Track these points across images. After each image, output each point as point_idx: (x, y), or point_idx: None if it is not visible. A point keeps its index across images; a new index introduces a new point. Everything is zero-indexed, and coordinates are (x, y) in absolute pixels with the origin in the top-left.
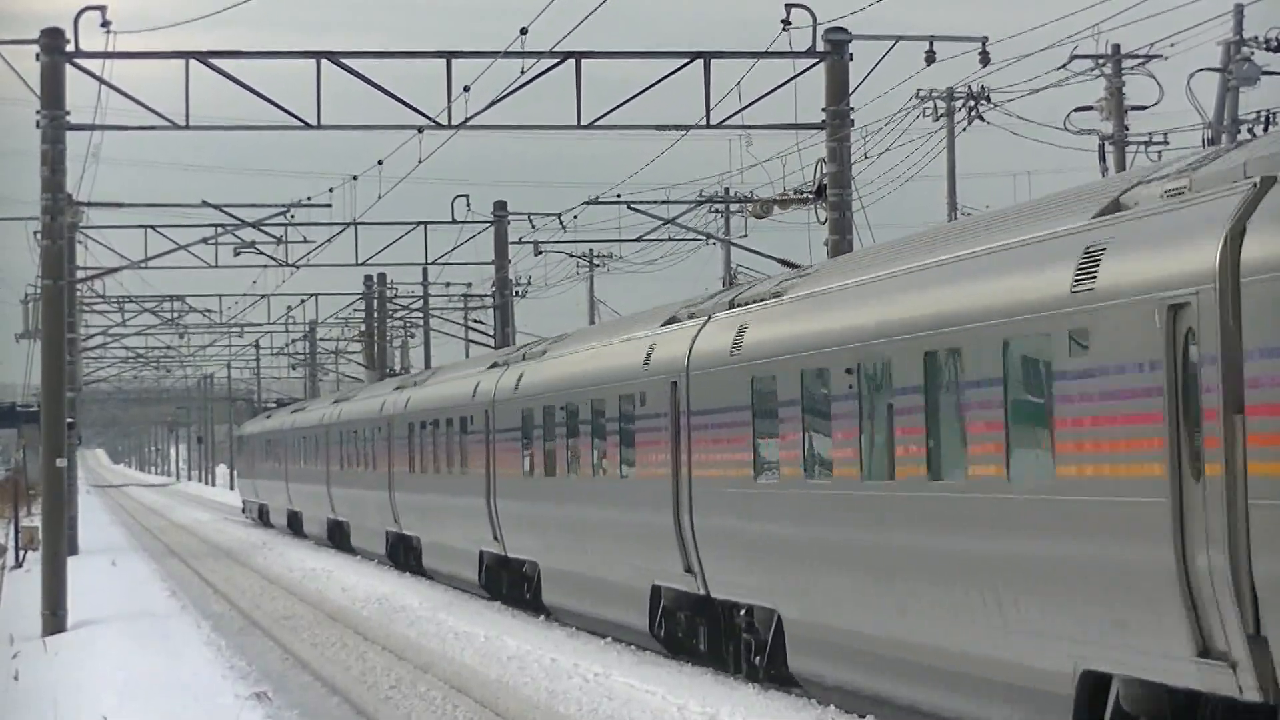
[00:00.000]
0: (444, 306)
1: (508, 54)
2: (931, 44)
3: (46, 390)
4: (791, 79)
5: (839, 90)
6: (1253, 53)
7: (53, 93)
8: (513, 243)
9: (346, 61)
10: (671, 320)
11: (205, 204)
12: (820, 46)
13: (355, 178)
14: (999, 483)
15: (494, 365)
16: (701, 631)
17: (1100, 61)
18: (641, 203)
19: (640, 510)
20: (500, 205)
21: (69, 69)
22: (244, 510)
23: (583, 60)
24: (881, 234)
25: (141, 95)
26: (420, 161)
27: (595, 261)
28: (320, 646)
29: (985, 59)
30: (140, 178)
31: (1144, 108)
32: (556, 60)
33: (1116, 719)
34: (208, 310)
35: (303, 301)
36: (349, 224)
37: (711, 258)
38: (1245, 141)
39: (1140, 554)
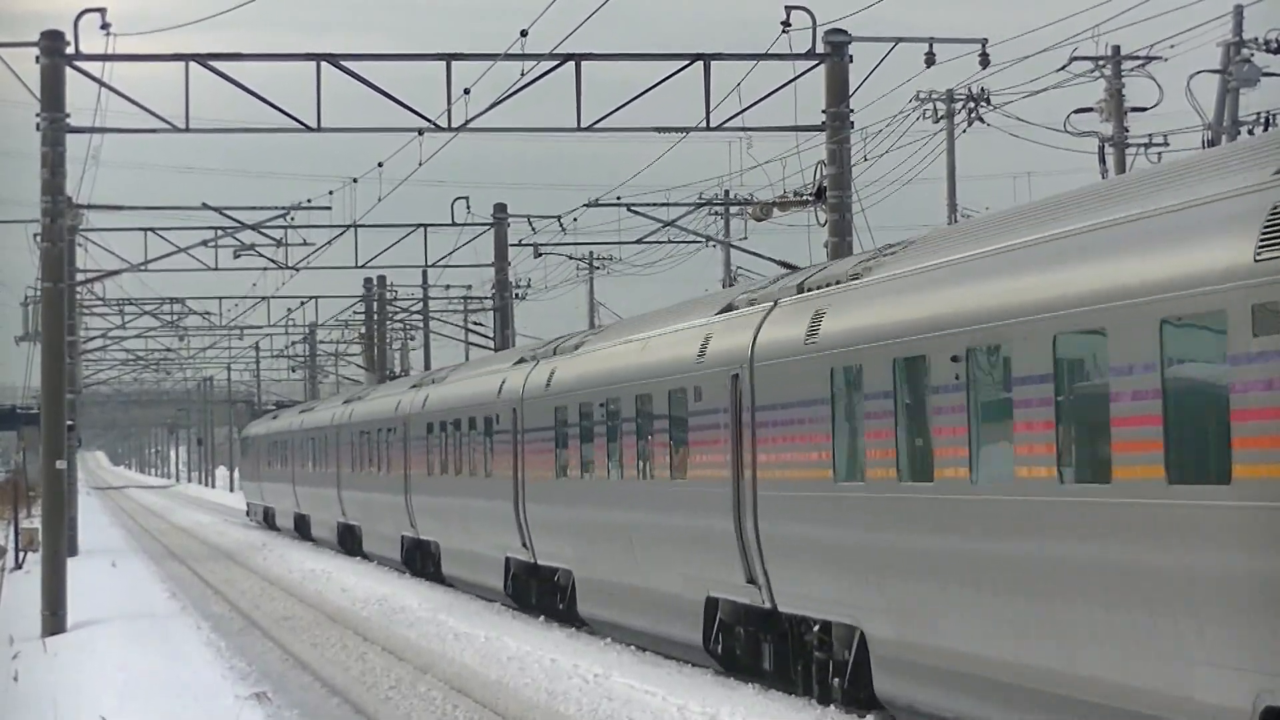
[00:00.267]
0: (444, 309)
1: (508, 56)
2: (931, 46)
3: (46, 392)
4: (791, 81)
5: (839, 92)
6: (1252, 54)
7: (53, 95)
8: (512, 245)
9: (346, 64)
10: (728, 308)
11: (205, 206)
12: (820, 48)
13: (355, 180)
14: (1156, 486)
15: (521, 361)
16: (766, 649)
17: (1100, 63)
18: (641, 205)
19: (694, 515)
20: (500, 207)
21: (69, 71)
22: (248, 513)
23: (583, 62)
24: (881, 236)
25: (141, 97)
26: (420, 164)
27: (595, 264)
28: (320, 647)
29: (985, 61)
30: (140, 180)
31: (1144, 109)
32: (557, 62)
33: None
34: (207, 313)
35: (302, 304)
36: (349, 226)
37: (711, 260)
38: None
39: None
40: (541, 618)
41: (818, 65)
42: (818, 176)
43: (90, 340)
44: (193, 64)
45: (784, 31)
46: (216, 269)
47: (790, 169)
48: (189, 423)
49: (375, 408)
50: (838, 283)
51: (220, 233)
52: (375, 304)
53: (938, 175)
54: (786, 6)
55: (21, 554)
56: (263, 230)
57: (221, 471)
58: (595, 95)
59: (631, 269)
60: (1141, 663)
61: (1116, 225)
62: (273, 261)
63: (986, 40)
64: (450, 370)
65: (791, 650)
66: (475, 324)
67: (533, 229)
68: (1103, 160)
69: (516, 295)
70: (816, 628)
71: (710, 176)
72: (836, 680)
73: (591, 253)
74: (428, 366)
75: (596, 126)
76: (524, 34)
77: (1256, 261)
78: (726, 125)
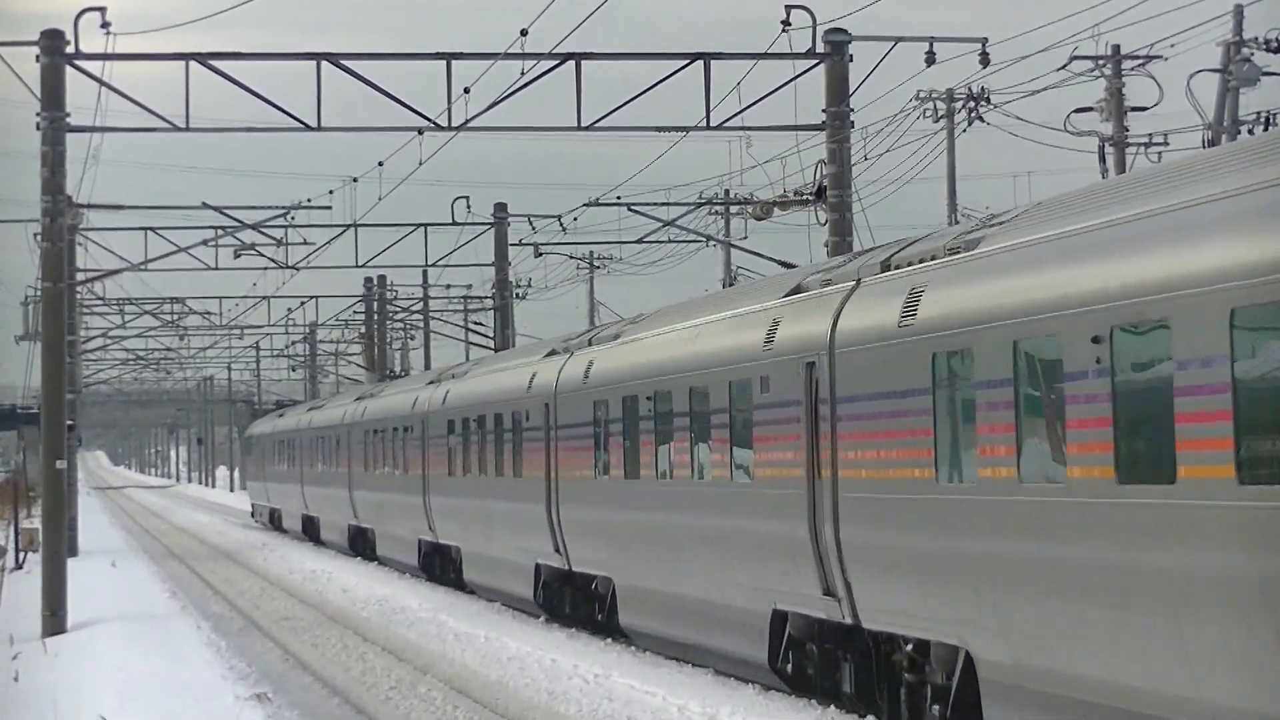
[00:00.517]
0: (444, 309)
1: (508, 55)
2: (931, 45)
3: (46, 392)
4: (791, 80)
5: (839, 91)
6: (1252, 53)
7: (53, 94)
8: (513, 244)
9: (346, 63)
10: (796, 290)
11: (205, 206)
12: (820, 48)
13: (355, 179)
14: None
15: (553, 353)
16: (846, 668)
17: (1100, 62)
18: (641, 204)
19: (761, 519)
20: (500, 207)
21: (69, 70)
22: (253, 514)
23: (583, 61)
24: (881, 235)
25: (141, 97)
26: (420, 163)
27: (595, 263)
28: (320, 647)
29: (985, 60)
30: (140, 180)
31: (1144, 109)
32: (557, 61)
33: None
34: (208, 312)
35: (303, 303)
36: (349, 226)
37: (712, 259)
38: None
39: None
40: (573, 629)
41: (818, 65)
42: (818, 176)
43: (90, 340)
44: (193, 63)
45: (784, 31)
46: (216, 268)
47: (790, 168)
48: (189, 422)
49: (390, 404)
50: (934, 257)
51: (220, 232)
52: (375, 304)
53: (938, 175)
54: (786, 6)
55: (22, 554)
56: (263, 230)
57: (222, 471)
58: (595, 95)
59: (632, 269)
60: None
61: None
62: (273, 261)
63: (986, 40)
64: (471, 365)
65: (875, 671)
66: (475, 324)
67: (533, 228)
68: (1103, 160)
69: (517, 295)
70: (909, 647)
71: (710, 176)
72: (936, 707)
73: (592, 252)
74: (428, 366)
75: (596, 126)
76: (524, 33)
77: None
78: (726, 125)
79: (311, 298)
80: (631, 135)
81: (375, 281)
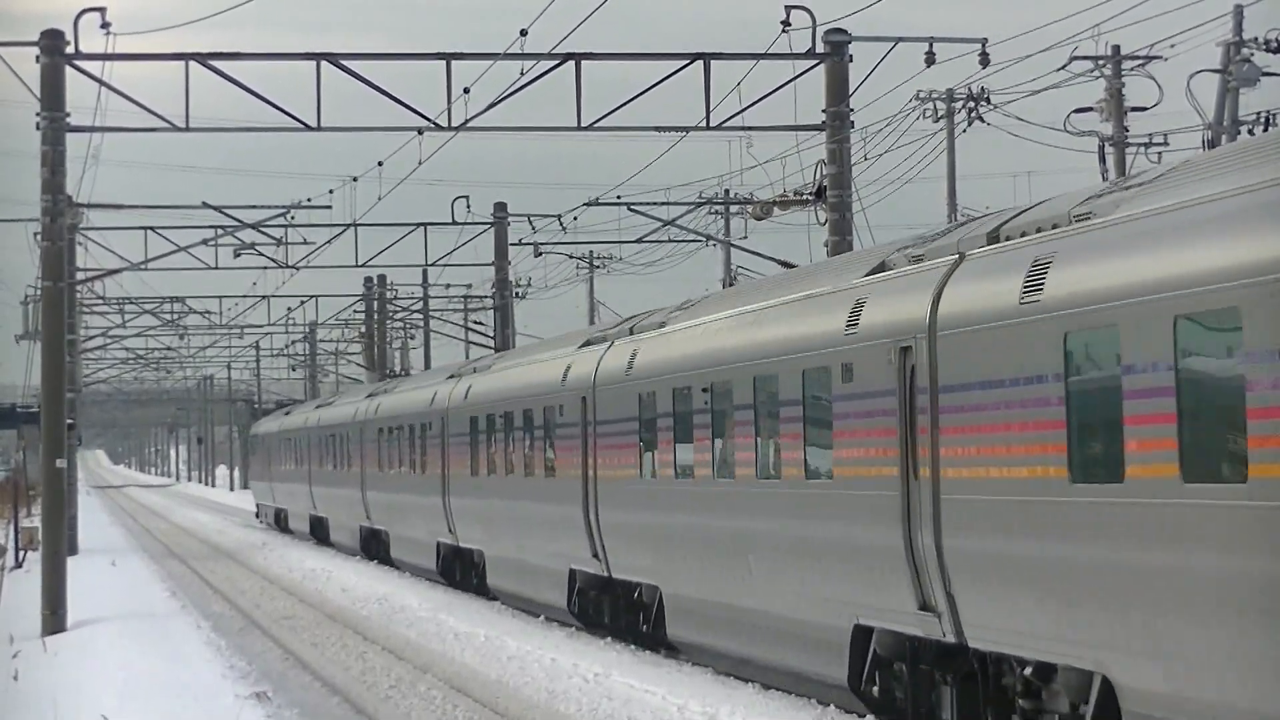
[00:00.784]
0: (444, 308)
1: (507, 55)
2: (931, 45)
3: (46, 391)
4: (791, 80)
5: (839, 91)
6: (1252, 54)
7: (53, 94)
8: (513, 244)
9: (346, 63)
10: (880, 268)
11: (205, 205)
12: (820, 48)
13: (355, 179)
14: None
15: (588, 344)
16: (946, 692)
17: (1100, 62)
18: (641, 204)
19: (842, 523)
20: (500, 207)
21: (69, 70)
22: (258, 515)
23: (582, 62)
24: (881, 235)
25: (141, 96)
26: (420, 163)
27: (595, 263)
28: (320, 646)
29: (985, 60)
30: (140, 179)
31: (1144, 109)
32: (556, 62)
33: None
34: (208, 311)
35: (303, 303)
36: (349, 225)
37: (711, 259)
38: None
39: None
40: (612, 639)
41: (818, 65)
42: (818, 176)
43: (90, 339)
44: (193, 63)
45: (784, 31)
46: (216, 268)
47: (790, 168)
48: (189, 422)
49: (406, 401)
50: (1055, 226)
51: (220, 232)
52: (375, 303)
53: (938, 175)
54: (786, 6)
55: (21, 553)
56: (263, 229)
57: (221, 471)
58: (595, 95)
59: (631, 268)
60: None
61: None
62: (273, 260)
63: (986, 40)
64: (495, 359)
65: (983, 695)
66: (475, 323)
67: (533, 228)
68: (1103, 160)
69: (517, 294)
70: (1027, 670)
71: (710, 176)
72: None
73: (592, 252)
74: (428, 366)
75: (596, 126)
76: (524, 33)
77: None
78: (726, 125)
79: (311, 297)
80: (631, 135)
81: (375, 281)
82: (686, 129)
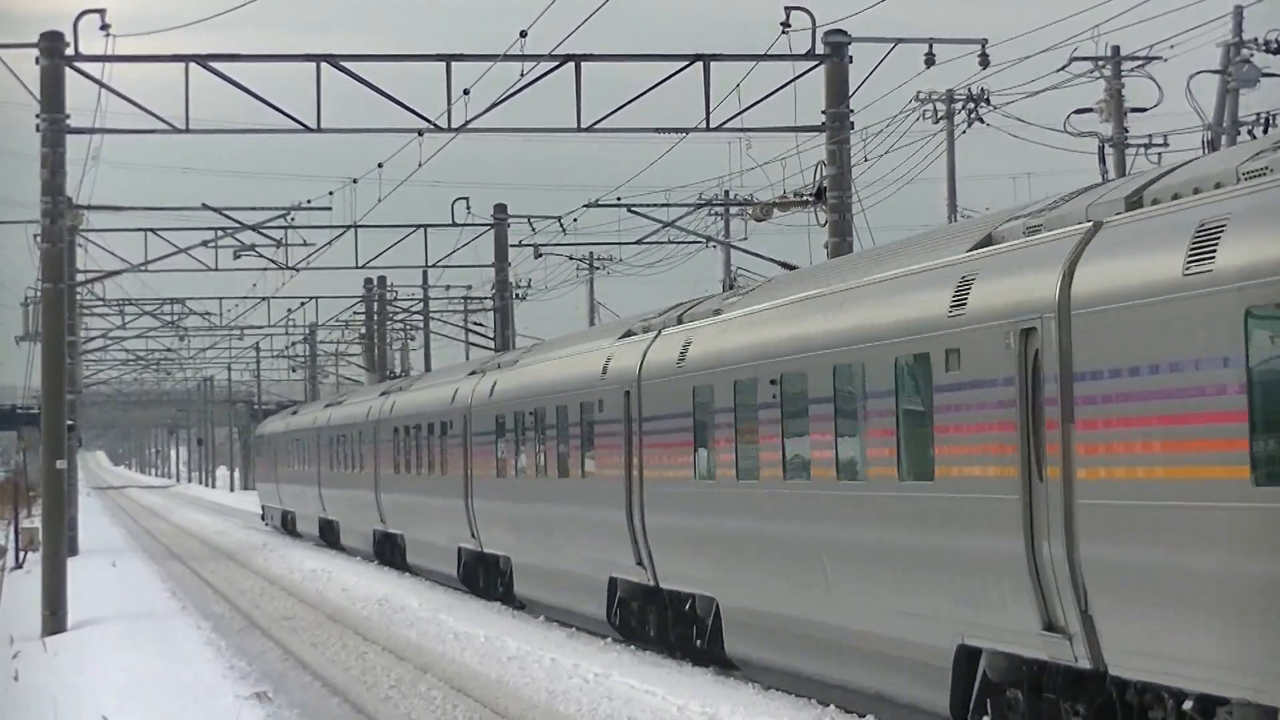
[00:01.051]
0: (444, 309)
1: (507, 57)
2: (931, 46)
3: (46, 392)
4: (791, 81)
5: (838, 93)
6: (1252, 54)
7: (53, 96)
8: (513, 245)
9: (346, 64)
10: (986, 241)
11: (205, 207)
12: (820, 49)
13: (355, 181)
14: None
15: (629, 334)
16: None
17: (1100, 63)
18: (641, 205)
19: (945, 531)
20: (500, 208)
21: (69, 72)
22: (264, 518)
23: (582, 63)
24: (881, 236)
25: (141, 98)
26: (420, 164)
27: (595, 264)
28: (320, 647)
29: (985, 61)
30: (140, 181)
31: (1144, 109)
32: (556, 63)
33: None
34: (208, 313)
35: (303, 304)
36: (349, 227)
37: (711, 260)
38: None
39: None
40: (658, 653)
41: (817, 66)
42: (818, 177)
43: (90, 340)
44: (192, 65)
45: (784, 32)
46: (217, 269)
47: (790, 169)
48: (189, 423)
49: (423, 399)
50: (1219, 186)
51: (220, 233)
52: (375, 304)
53: (938, 175)
54: (786, 7)
55: (22, 553)
56: (263, 231)
57: (222, 472)
58: (595, 96)
59: (631, 269)
60: None
61: None
62: (273, 262)
63: (986, 40)
64: (521, 353)
65: None
66: (475, 324)
67: (533, 229)
68: (1103, 161)
69: (517, 295)
70: (1186, 704)
71: (710, 177)
72: None
73: (592, 253)
74: (428, 367)
75: (596, 127)
76: (524, 34)
77: None
78: (726, 126)
79: (311, 298)
80: (631, 136)
81: (375, 282)
82: (686, 130)
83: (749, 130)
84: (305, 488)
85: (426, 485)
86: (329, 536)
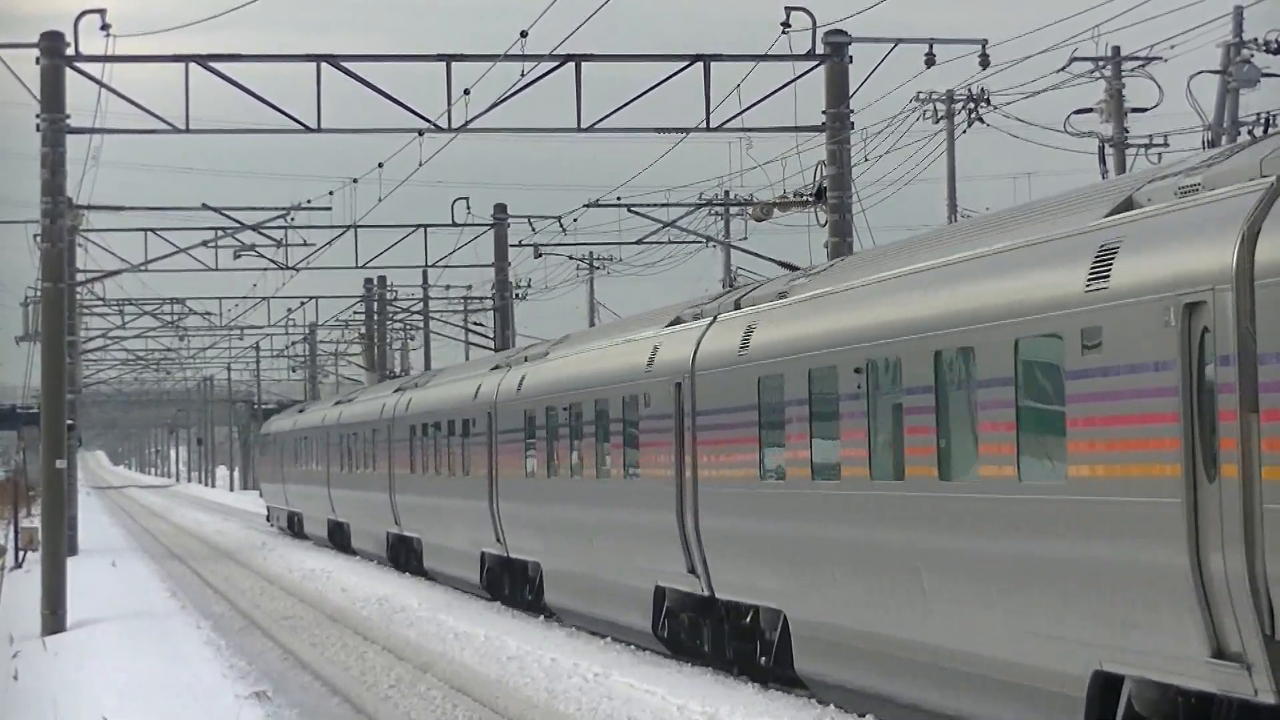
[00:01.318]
0: (444, 309)
1: (508, 57)
2: (931, 46)
3: (46, 392)
4: (791, 82)
5: (839, 93)
6: (1252, 55)
7: (53, 96)
8: (513, 245)
9: (347, 64)
10: (1126, 205)
11: (205, 207)
12: (820, 49)
13: (355, 180)
14: None
15: (676, 322)
16: None
17: (1100, 63)
18: (641, 205)
19: (1080, 542)
20: (500, 208)
21: (69, 72)
22: (269, 519)
23: (583, 63)
24: (882, 236)
25: (141, 98)
26: (420, 164)
27: (595, 264)
28: (320, 646)
29: (985, 61)
30: (140, 180)
31: (1144, 110)
32: (556, 63)
33: None
34: (208, 313)
35: (303, 304)
36: (349, 227)
37: (712, 260)
38: None
39: None
40: (709, 667)
41: (818, 66)
42: (818, 177)
43: (90, 340)
44: (192, 65)
45: (784, 32)
46: (217, 269)
47: (790, 169)
48: (189, 422)
49: (443, 395)
50: None
51: (220, 233)
52: (375, 304)
53: (938, 176)
54: (786, 7)
55: (21, 553)
56: (263, 231)
57: (221, 471)
58: (595, 96)
59: (631, 269)
60: None
61: None
62: (273, 262)
63: (986, 41)
64: (551, 346)
65: None
66: (475, 324)
67: (533, 229)
68: (1103, 161)
69: (517, 295)
70: None
71: (710, 177)
72: None
73: (592, 253)
74: (428, 367)
75: (596, 127)
76: (524, 34)
77: None
78: (726, 126)
79: (311, 298)
80: (631, 136)
81: (375, 282)
82: (686, 130)
83: (749, 130)
84: (313, 488)
85: (446, 486)
86: (339, 539)
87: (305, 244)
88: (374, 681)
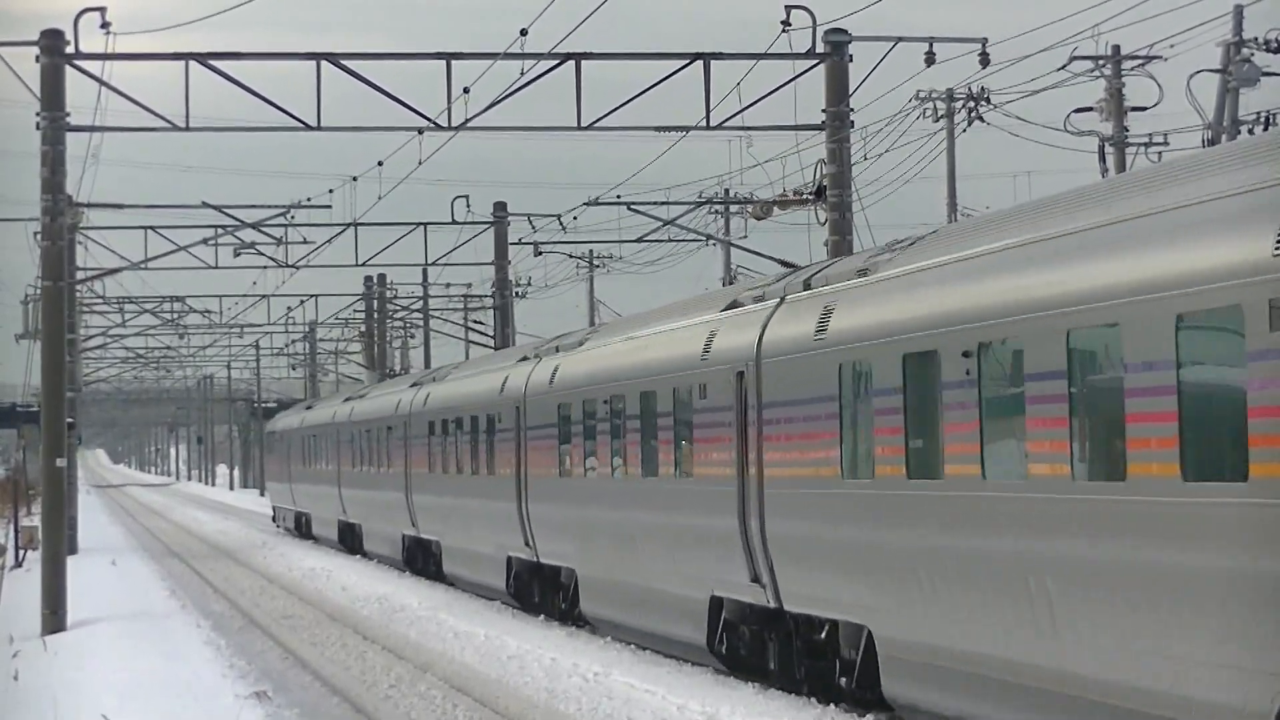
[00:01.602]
0: (444, 307)
1: (507, 55)
2: (931, 45)
3: (46, 390)
4: (791, 80)
5: (839, 91)
6: (1252, 54)
7: (53, 94)
8: (513, 243)
9: (346, 63)
10: None
11: (205, 205)
12: (820, 48)
13: (355, 179)
14: None
15: (734, 306)
16: None
17: (1100, 62)
18: (641, 204)
19: (1275, 552)
20: (500, 206)
21: (69, 70)
22: (275, 519)
23: (583, 61)
24: (881, 235)
25: (141, 96)
26: (420, 163)
27: (595, 262)
28: (320, 646)
29: (985, 60)
30: (140, 179)
31: (1144, 109)
32: (556, 61)
33: None
34: (208, 311)
35: (302, 302)
36: (349, 225)
37: (712, 259)
38: None
39: None
40: (772, 688)
41: (818, 65)
42: (818, 175)
43: (90, 338)
44: (192, 63)
45: (784, 31)
46: (217, 267)
47: (790, 168)
48: (189, 421)
49: (465, 390)
50: None
51: (220, 231)
52: (375, 302)
53: (938, 174)
54: (786, 6)
55: (21, 552)
56: (263, 229)
57: (221, 470)
58: (595, 94)
59: (631, 267)
60: None
61: None
62: (273, 260)
63: (986, 40)
64: (586, 334)
65: None
66: (475, 322)
67: (533, 227)
68: (1103, 160)
69: (517, 294)
70: None
71: (710, 175)
72: None
73: (591, 251)
74: (428, 365)
75: (596, 125)
76: (524, 33)
77: None
78: (726, 124)
79: (311, 296)
80: (631, 135)
81: (375, 280)
82: (686, 129)
83: (749, 129)
84: (323, 488)
85: (469, 486)
86: (349, 541)
87: (305, 242)
88: (374, 681)
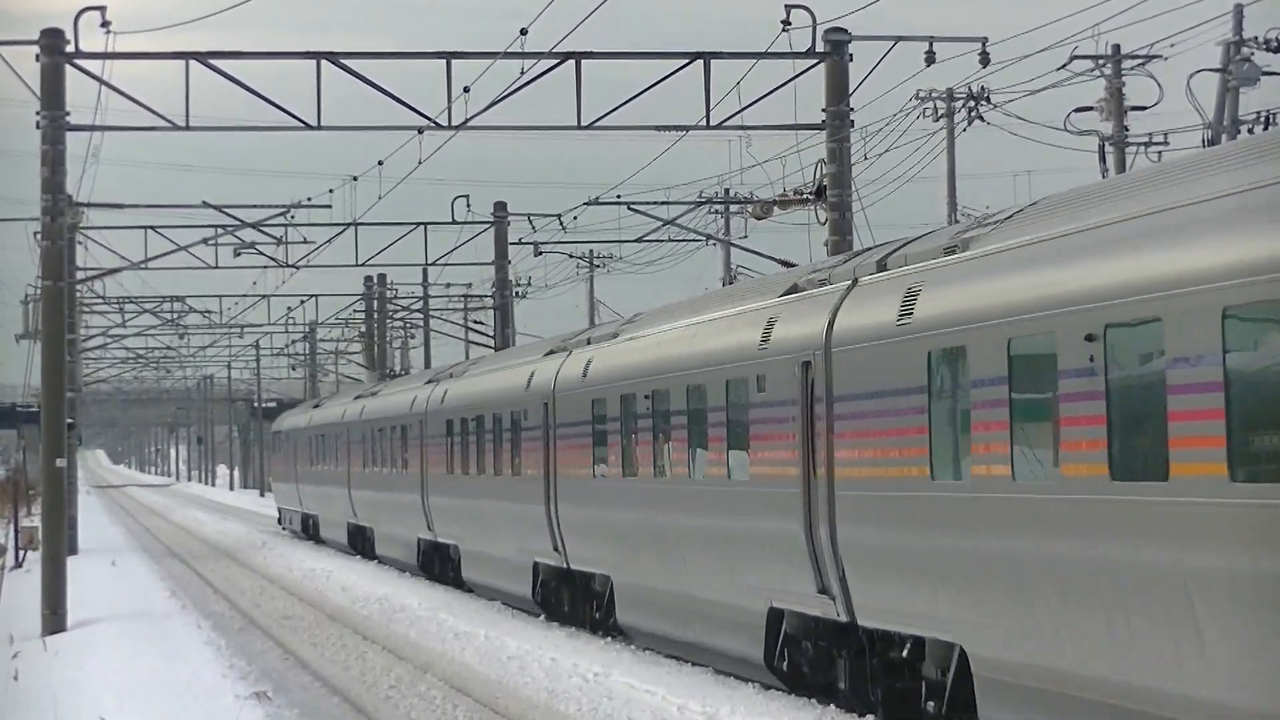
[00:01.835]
0: (444, 307)
1: (508, 55)
2: (931, 44)
3: (46, 390)
4: (791, 79)
5: (839, 91)
6: (1252, 53)
7: (53, 93)
8: (513, 243)
9: (346, 62)
10: None
11: (205, 205)
12: (820, 47)
13: (355, 178)
14: None
15: (793, 291)
16: None
17: (1100, 62)
18: (641, 203)
19: None
20: (500, 206)
21: (69, 69)
22: (280, 521)
23: (583, 61)
24: (881, 235)
25: (141, 96)
26: (420, 162)
27: (595, 262)
28: (320, 646)
29: (985, 59)
30: (140, 178)
31: (1144, 108)
32: (556, 61)
33: None
34: (208, 311)
35: (303, 302)
36: (349, 225)
37: (712, 258)
38: None
39: None
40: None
41: (818, 64)
42: (818, 175)
43: (90, 338)
44: (193, 62)
45: (784, 30)
46: (217, 267)
47: (790, 167)
48: (189, 421)
49: (486, 387)
50: None
51: (220, 231)
52: (375, 302)
53: (938, 174)
54: (786, 5)
55: (21, 552)
56: (263, 228)
57: (221, 470)
58: (595, 94)
59: (632, 267)
60: None
61: None
62: (273, 260)
63: (986, 39)
64: (621, 325)
65: None
66: (475, 322)
67: (533, 227)
68: (1103, 159)
69: (517, 293)
70: None
71: (710, 175)
72: None
73: (592, 251)
74: (428, 365)
75: (596, 125)
76: (524, 32)
77: None
78: (726, 124)
79: (311, 296)
80: (631, 134)
81: (375, 280)
82: (686, 128)
83: (749, 128)
84: (331, 489)
85: (491, 487)
86: (359, 544)
87: (305, 242)
88: (374, 681)
